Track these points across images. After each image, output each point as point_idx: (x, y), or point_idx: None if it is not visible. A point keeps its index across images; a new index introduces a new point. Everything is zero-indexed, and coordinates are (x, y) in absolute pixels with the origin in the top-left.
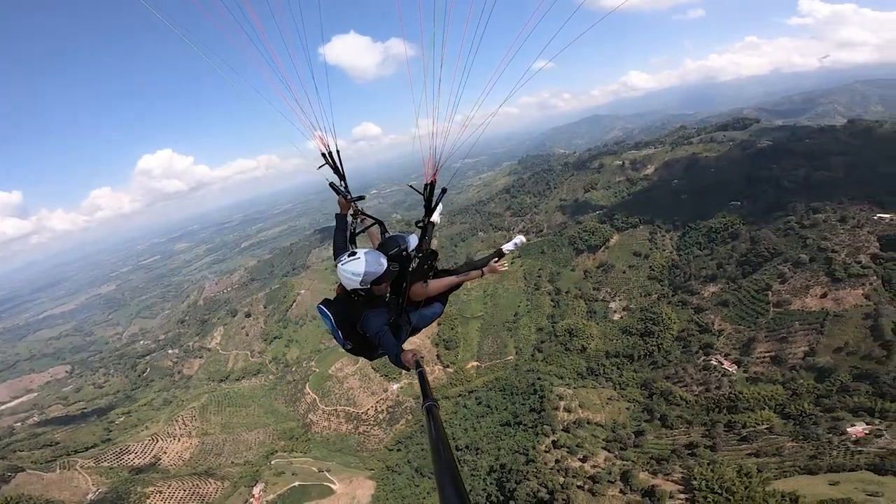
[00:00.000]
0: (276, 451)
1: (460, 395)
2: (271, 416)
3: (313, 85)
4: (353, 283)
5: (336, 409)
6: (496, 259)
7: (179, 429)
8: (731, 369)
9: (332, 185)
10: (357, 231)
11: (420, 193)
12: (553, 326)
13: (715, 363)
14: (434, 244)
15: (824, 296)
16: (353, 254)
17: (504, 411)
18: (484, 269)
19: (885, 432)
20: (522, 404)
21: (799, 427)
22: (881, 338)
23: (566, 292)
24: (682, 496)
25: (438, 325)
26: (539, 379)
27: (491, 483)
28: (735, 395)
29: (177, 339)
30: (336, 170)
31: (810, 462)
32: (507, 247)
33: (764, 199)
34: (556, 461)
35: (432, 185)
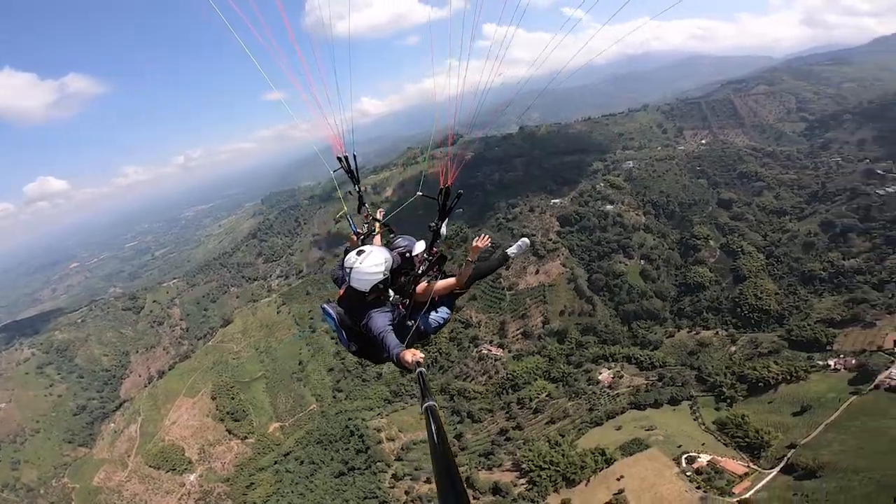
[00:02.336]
0: None
1: (276, 462)
2: None
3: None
4: (375, 276)
5: None
6: (504, 263)
7: None
8: (498, 353)
9: (347, 219)
10: (371, 233)
11: (433, 200)
12: (343, 363)
13: (485, 352)
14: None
15: (538, 272)
16: (361, 251)
17: (332, 462)
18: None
19: (623, 372)
20: (346, 449)
21: (567, 386)
22: (583, 295)
23: None
24: (521, 482)
25: (213, 398)
26: (351, 419)
27: None
28: (510, 374)
29: None
30: (351, 174)
31: (591, 415)
32: (512, 250)
33: (477, 203)
34: (406, 492)
35: (447, 189)
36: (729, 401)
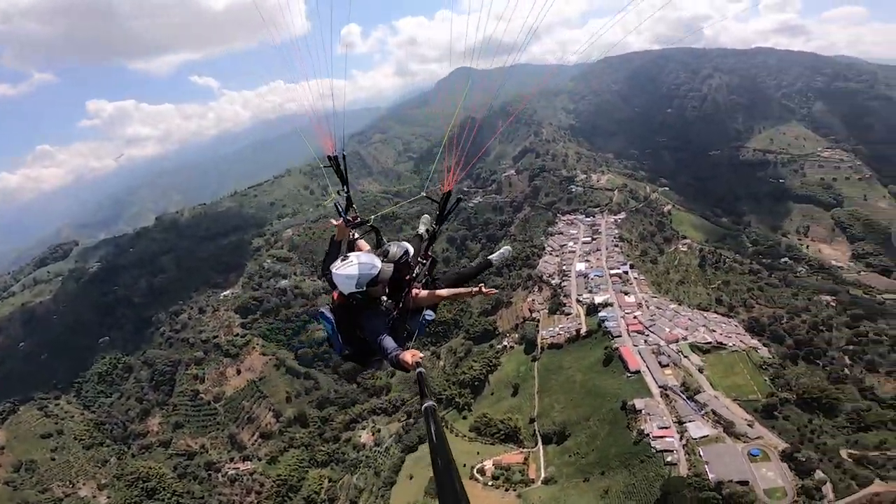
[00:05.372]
0: None
1: None
2: None
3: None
4: (349, 287)
5: None
6: (483, 275)
7: None
8: (249, 466)
9: (336, 205)
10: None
11: (436, 202)
12: None
13: (233, 472)
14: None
15: (239, 372)
16: (346, 258)
17: None
18: (474, 290)
19: (377, 425)
20: None
21: (340, 464)
22: (299, 373)
23: None
24: None
25: None
26: None
27: None
28: (279, 480)
29: None
30: (339, 174)
31: (381, 478)
32: (494, 257)
33: (128, 322)
34: None
35: (448, 194)
36: (467, 407)
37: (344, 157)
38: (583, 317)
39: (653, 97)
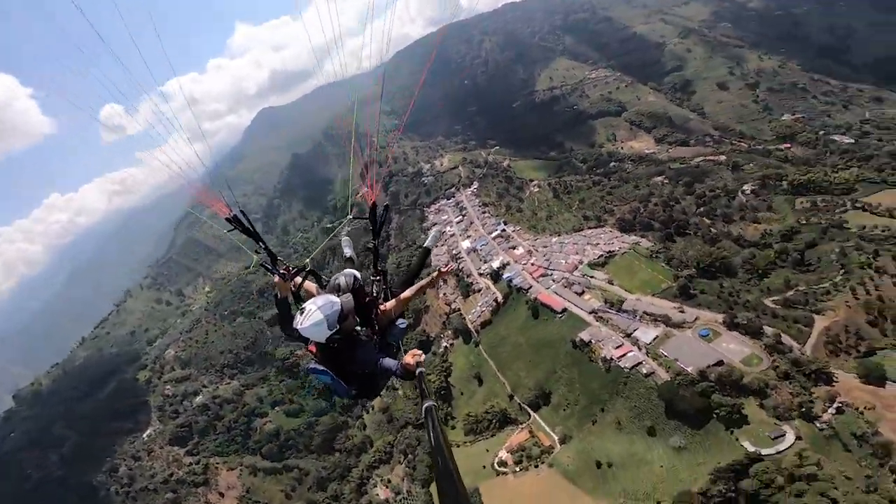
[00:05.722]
0: None
1: None
2: None
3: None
4: (323, 333)
5: None
6: (429, 261)
7: None
8: None
9: (263, 265)
10: (300, 291)
11: (366, 219)
12: None
13: None
14: None
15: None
16: (303, 310)
17: None
18: (434, 276)
19: (387, 476)
20: None
21: None
22: (275, 454)
23: None
24: None
25: None
26: None
27: None
28: None
29: None
30: (248, 232)
31: None
32: (428, 243)
33: (71, 497)
34: None
35: (374, 206)
36: (449, 417)
37: (243, 213)
38: (492, 286)
39: (447, 75)
